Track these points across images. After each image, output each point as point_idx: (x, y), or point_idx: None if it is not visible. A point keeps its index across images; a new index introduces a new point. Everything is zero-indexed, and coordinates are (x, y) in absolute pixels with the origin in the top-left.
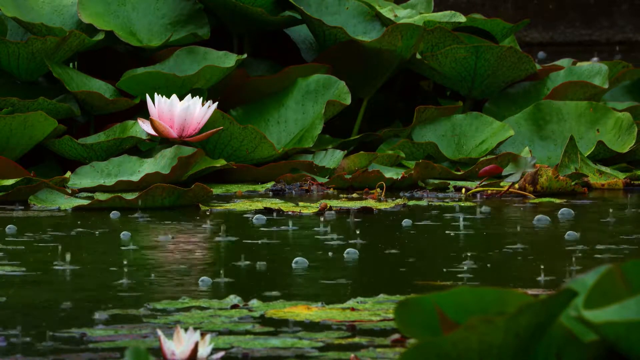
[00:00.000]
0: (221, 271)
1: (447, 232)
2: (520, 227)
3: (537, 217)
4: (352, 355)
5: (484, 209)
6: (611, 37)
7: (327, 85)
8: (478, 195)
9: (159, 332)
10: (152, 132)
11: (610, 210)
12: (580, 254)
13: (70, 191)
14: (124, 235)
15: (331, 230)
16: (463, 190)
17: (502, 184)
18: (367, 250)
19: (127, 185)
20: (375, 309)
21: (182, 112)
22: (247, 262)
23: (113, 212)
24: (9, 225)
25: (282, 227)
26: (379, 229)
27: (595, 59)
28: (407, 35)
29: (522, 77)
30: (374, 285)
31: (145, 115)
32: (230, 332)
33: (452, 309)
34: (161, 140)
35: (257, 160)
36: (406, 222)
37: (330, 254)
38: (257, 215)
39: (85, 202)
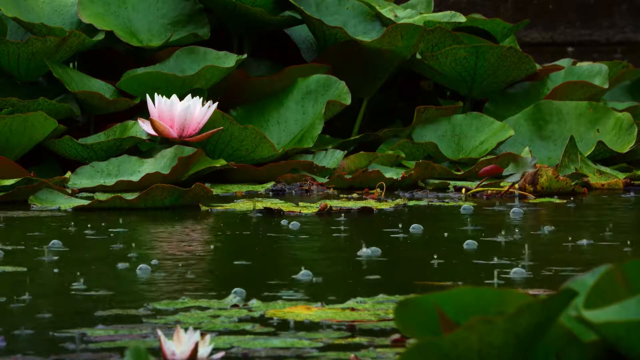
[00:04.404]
0: (222, 270)
1: (447, 231)
2: (520, 227)
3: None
4: (352, 355)
5: (479, 208)
6: (611, 37)
7: (327, 85)
8: (477, 195)
9: (159, 332)
10: (152, 132)
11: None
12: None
13: (70, 191)
14: (124, 235)
15: (331, 229)
16: (463, 190)
17: (502, 184)
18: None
19: (127, 185)
20: (375, 309)
21: (182, 112)
22: (247, 262)
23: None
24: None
25: (283, 227)
26: (379, 229)
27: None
28: (407, 35)
29: (522, 77)
30: (373, 285)
31: (146, 115)
32: (230, 332)
33: (452, 309)
34: (161, 141)
35: (257, 161)
36: (415, 227)
37: (330, 253)
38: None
39: (86, 202)
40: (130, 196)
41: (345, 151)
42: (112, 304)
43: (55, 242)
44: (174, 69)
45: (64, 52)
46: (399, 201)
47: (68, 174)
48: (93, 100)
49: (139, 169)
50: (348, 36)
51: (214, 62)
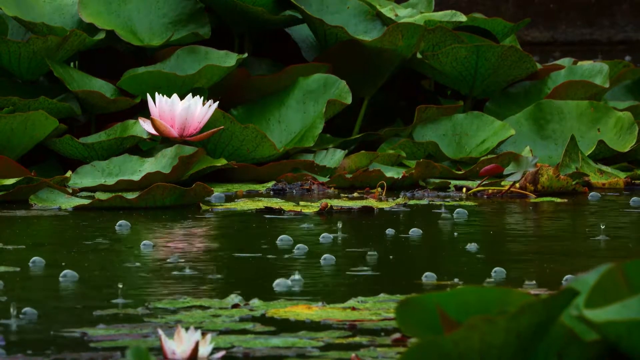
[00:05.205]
0: (223, 270)
1: (448, 231)
2: (524, 225)
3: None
4: (353, 354)
5: (483, 208)
6: (612, 37)
7: (328, 85)
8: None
9: (160, 332)
10: (153, 132)
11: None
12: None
13: (71, 190)
14: (125, 234)
15: (331, 229)
16: (464, 189)
17: (503, 183)
18: (367, 250)
19: (128, 184)
20: (376, 309)
21: (183, 112)
22: (248, 262)
23: (120, 222)
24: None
25: (283, 227)
26: (380, 229)
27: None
28: (408, 35)
29: (523, 77)
30: (374, 285)
31: (146, 114)
32: (231, 332)
33: (454, 308)
34: (162, 140)
35: (258, 160)
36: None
37: (331, 253)
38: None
39: (86, 201)
40: (131, 195)
41: (346, 150)
42: (113, 303)
43: (55, 241)
44: (174, 68)
45: (64, 52)
46: (400, 200)
47: (69, 173)
48: (94, 100)
49: (139, 169)
50: (349, 35)
51: (214, 61)
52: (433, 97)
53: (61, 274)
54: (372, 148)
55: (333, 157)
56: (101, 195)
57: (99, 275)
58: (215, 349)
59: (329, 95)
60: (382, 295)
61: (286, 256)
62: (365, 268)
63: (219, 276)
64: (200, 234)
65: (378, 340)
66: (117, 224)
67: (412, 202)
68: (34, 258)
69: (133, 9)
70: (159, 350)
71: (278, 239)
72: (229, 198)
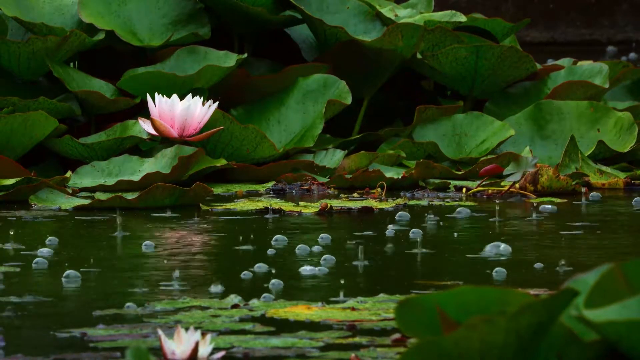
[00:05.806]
0: (223, 270)
1: (448, 231)
2: (519, 225)
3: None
4: (353, 354)
5: (480, 208)
6: (612, 37)
7: (328, 85)
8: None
9: (160, 332)
10: (153, 132)
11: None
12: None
13: (70, 191)
14: (125, 234)
15: (331, 229)
16: (464, 189)
17: (502, 183)
18: (367, 249)
19: (128, 184)
20: (376, 309)
21: (183, 112)
22: (248, 262)
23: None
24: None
25: (283, 227)
26: (380, 229)
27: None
28: (407, 35)
29: (523, 77)
30: (374, 285)
31: (146, 114)
32: (231, 332)
33: (453, 308)
34: (162, 140)
35: (258, 160)
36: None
37: (330, 253)
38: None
39: (86, 201)
40: (130, 196)
41: (346, 151)
42: (113, 303)
43: (54, 241)
44: (174, 69)
45: (64, 52)
46: (400, 201)
47: (68, 174)
48: (93, 100)
49: (139, 169)
50: (349, 36)
51: (214, 61)
52: (433, 98)
53: (64, 275)
54: (372, 148)
55: (333, 158)
56: (101, 196)
57: (99, 276)
58: (215, 349)
59: (329, 95)
60: (381, 296)
61: (286, 256)
62: (366, 263)
63: (218, 276)
64: (200, 234)
65: (378, 341)
66: (115, 224)
67: (411, 202)
68: (35, 258)
69: (133, 9)
70: (159, 350)
71: (273, 239)
72: (229, 198)
